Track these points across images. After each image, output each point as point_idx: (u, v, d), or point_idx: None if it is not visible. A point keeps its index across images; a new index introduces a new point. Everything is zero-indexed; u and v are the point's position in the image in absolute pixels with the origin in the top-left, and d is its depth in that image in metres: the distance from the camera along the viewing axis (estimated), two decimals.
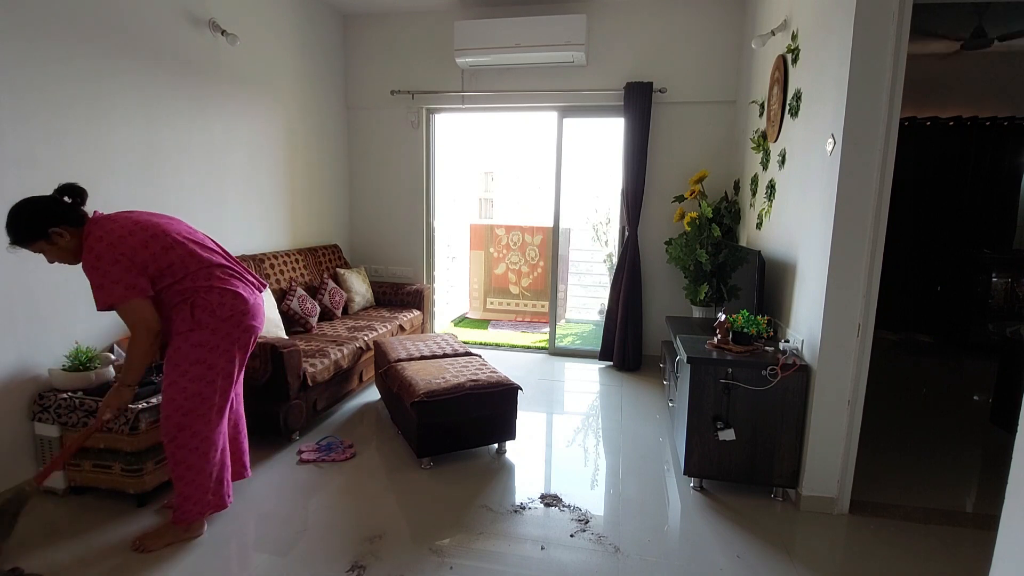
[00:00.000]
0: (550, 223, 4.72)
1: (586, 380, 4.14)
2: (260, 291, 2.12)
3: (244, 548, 2.03)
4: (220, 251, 2.07)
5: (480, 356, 3.21)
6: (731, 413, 2.37)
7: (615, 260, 4.54)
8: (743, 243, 3.70)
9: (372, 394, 3.65)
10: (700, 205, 3.85)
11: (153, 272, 1.85)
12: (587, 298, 6.98)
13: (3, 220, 1.79)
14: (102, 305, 1.78)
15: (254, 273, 2.16)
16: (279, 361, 2.68)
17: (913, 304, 5.08)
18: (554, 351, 4.81)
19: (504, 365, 4.06)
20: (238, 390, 2.19)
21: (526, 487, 2.53)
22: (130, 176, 2.71)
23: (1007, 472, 0.90)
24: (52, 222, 1.76)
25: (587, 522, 2.23)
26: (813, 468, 2.32)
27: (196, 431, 1.95)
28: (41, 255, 1.82)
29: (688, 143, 4.25)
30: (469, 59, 4.17)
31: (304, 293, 3.68)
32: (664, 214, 4.29)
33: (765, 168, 3.21)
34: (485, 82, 4.47)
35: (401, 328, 4.05)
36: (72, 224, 1.80)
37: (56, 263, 1.86)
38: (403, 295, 4.52)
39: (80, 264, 1.81)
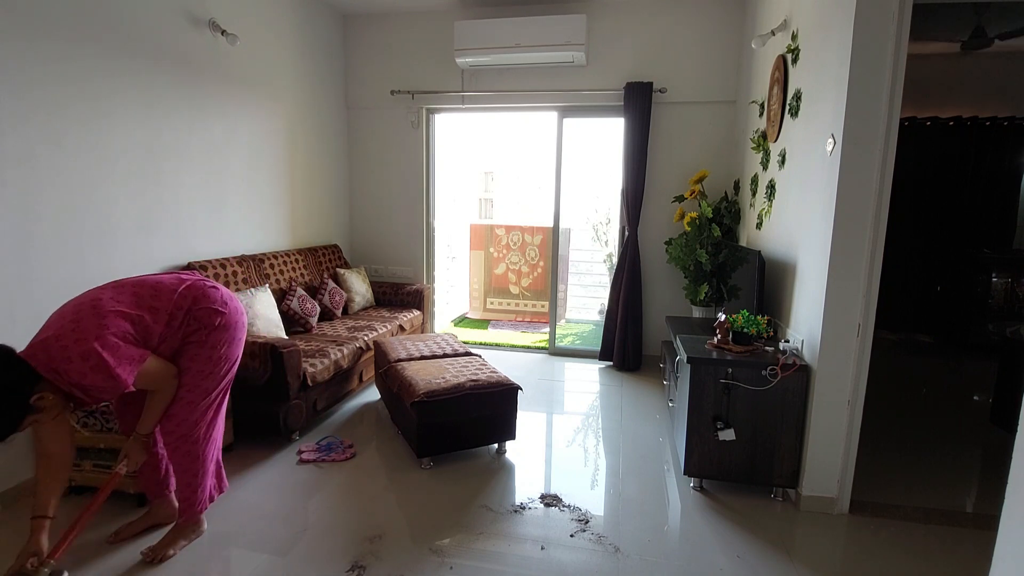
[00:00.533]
0: (550, 223, 4.72)
1: (586, 380, 4.14)
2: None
3: (244, 548, 2.03)
4: (156, 275, 1.97)
5: (480, 356, 3.21)
6: (731, 413, 2.37)
7: (615, 260, 4.54)
8: (743, 243, 3.70)
9: (372, 394, 3.65)
10: (700, 205, 3.85)
11: (141, 329, 1.74)
12: (587, 298, 6.98)
13: None
14: (128, 385, 1.66)
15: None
16: (279, 361, 2.68)
17: (913, 304, 5.08)
18: (554, 351, 4.81)
19: (504, 365, 4.06)
20: None
21: (526, 487, 2.53)
22: (130, 175, 2.71)
23: (1007, 472, 0.90)
24: (26, 393, 1.56)
25: (587, 522, 2.23)
26: (813, 468, 2.32)
27: (209, 422, 1.96)
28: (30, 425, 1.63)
29: (688, 143, 4.25)
30: (469, 59, 4.17)
31: (304, 293, 3.68)
32: (664, 214, 4.29)
33: (765, 168, 3.21)
34: (485, 82, 4.47)
35: (401, 328, 4.05)
36: (38, 379, 1.58)
37: (48, 422, 1.66)
38: (403, 295, 4.52)
39: (67, 408, 1.68)
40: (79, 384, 1.61)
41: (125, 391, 1.68)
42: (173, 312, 1.82)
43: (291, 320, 3.51)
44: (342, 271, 4.27)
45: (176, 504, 2.07)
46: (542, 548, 2.06)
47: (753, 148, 3.39)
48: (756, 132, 3.41)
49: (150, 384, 1.78)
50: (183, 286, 1.89)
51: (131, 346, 1.69)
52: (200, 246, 3.19)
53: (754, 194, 3.45)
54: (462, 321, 7.03)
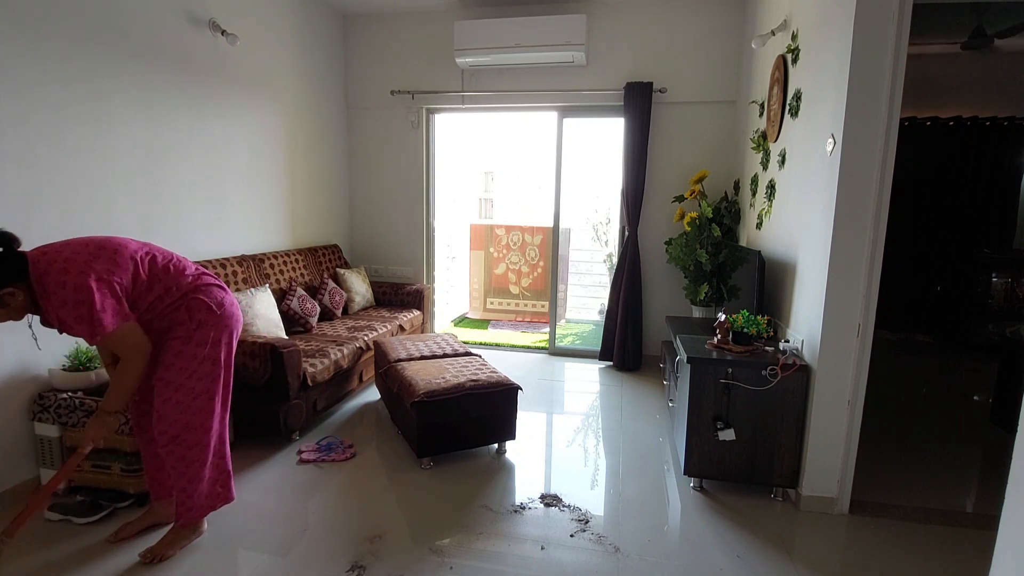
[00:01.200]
0: (550, 223, 4.72)
1: (586, 380, 4.14)
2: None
3: (244, 548, 2.03)
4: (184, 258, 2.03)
5: (480, 356, 3.21)
6: (731, 413, 2.37)
7: (615, 260, 4.54)
8: (743, 243, 3.70)
9: (372, 394, 3.65)
10: (700, 205, 3.85)
11: (137, 291, 1.78)
12: (587, 298, 6.98)
13: None
14: (99, 337, 1.66)
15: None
16: (279, 361, 2.68)
17: (913, 304, 5.08)
18: (554, 351, 4.81)
19: (504, 365, 4.06)
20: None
21: (526, 487, 2.53)
22: (130, 176, 2.71)
23: (1007, 472, 0.90)
24: (2, 282, 1.57)
25: (587, 522, 2.23)
26: (813, 468, 2.32)
27: (202, 426, 1.94)
28: None
29: (688, 143, 4.25)
30: (469, 59, 4.17)
31: (304, 293, 3.68)
32: (664, 214, 4.29)
33: (765, 168, 3.21)
34: (485, 82, 4.47)
35: (401, 328, 4.05)
36: (20, 279, 1.60)
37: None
38: (403, 295, 4.52)
39: (23, 316, 1.67)
40: (56, 311, 1.63)
41: (95, 339, 1.67)
42: (170, 287, 1.86)
43: (291, 320, 3.51)
44: (342, 271, 4.27)
45: None
46: (542, 548, 2.06)
47: (753, 148, 3.39)
48: (756, 132, 3.41)
49: (123, 348, 1.74)
50: (197, 277, 1.94)
51: (123, 303, 1.71)
52: (200, 246, 3.19)
53: (754, 194, 3.45)
54: (462, 321, 7.03)
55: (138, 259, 1.79)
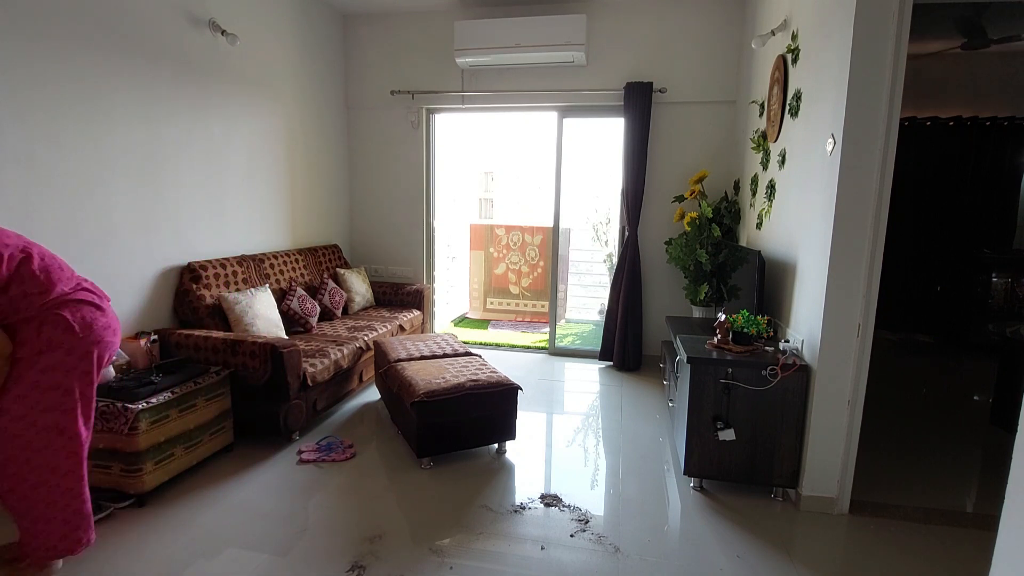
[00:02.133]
0: (550, 223, 4.72)
1: (586, 380, 4.14)
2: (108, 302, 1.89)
3: (244, 548, 2.03)
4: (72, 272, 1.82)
5: (480, 356, 3.21)
6: (731, 413, 2.37)
7: (615, 260, 4.54)
8: (743, 243, 3.70)
9: (372, 394, 3.65)
10: (700, 205, 3.85)
11: None
12: (587, 298, 6.98)
13: None
14: None
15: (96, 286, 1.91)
16: (279, 361, 2.68)
17: (913, 304, 5.08)
18: (554, 351, 4.81)
19: (504, 365, 4.07)
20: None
21: (526, 487, 2.53)
22: (129, 176, 2.71)
23: (1007, 472, 0.90)
24: None
25: (587, 522, 2.23)
26: (813, 468, 2.32)
27: (47, 465, 1.68)
28: None
29: (688, 143, 4.25)
30: (469, 59, 4.18)
31: (304, 293, 3.68)
32: (664, 214, 4.29)
33: (765, 168, 3.21)
34: (485, 82, 4.47)
35: (401, 328, 4.05)
36: None
37: None
38: (403, 295, 4.52)
39: None
40: None
41: None
42: (29, 294, 1.64)
43: (291, 320, 3.51)
44: (342, 271, 4.27)
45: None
46: (542, 548, 2.06)
47: (753, 148, 3.39)
48: (756, 132, 3.41)
49: None
50: (73, 291, 1.74)
51: None
52: (200, 246, 3.19)
53: (754, 194, 3.45)
54: (462, 321, 7.03)
55: (5, 255, 1.59)
